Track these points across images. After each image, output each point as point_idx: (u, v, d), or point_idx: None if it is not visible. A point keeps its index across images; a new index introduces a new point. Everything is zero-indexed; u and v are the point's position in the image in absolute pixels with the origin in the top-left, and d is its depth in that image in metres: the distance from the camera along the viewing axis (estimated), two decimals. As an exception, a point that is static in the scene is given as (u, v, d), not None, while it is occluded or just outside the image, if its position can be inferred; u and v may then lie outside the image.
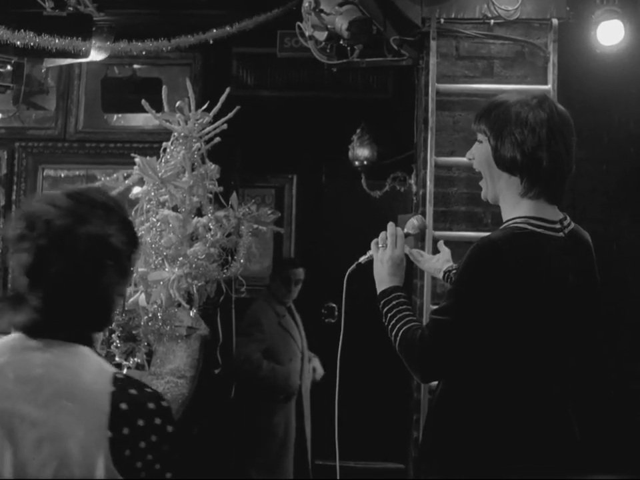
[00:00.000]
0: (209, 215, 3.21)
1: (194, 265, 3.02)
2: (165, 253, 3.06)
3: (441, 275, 2.43)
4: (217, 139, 3.36)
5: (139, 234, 3.13)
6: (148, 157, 3.18)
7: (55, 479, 1.24)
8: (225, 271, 3.17)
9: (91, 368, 1.34)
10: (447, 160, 2.83)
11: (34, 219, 1.33)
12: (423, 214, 2.79)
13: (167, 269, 2.97)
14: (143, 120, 4.45)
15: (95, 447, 1.26)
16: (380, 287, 1.91)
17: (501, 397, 1.76)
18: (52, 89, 4.39)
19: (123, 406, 1.28)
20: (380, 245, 1.95)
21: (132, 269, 1.59)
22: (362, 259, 2.03)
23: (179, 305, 3.06)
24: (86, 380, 1.31)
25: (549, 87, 2.80)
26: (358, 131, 3.92)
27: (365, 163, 3.89)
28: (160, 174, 3.16)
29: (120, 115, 4.61)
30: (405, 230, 2.04)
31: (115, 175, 3.73)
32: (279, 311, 4.24)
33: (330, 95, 4.22)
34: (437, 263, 2.43)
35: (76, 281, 1.34)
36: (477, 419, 1.78)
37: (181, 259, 3.02)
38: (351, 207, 5.19)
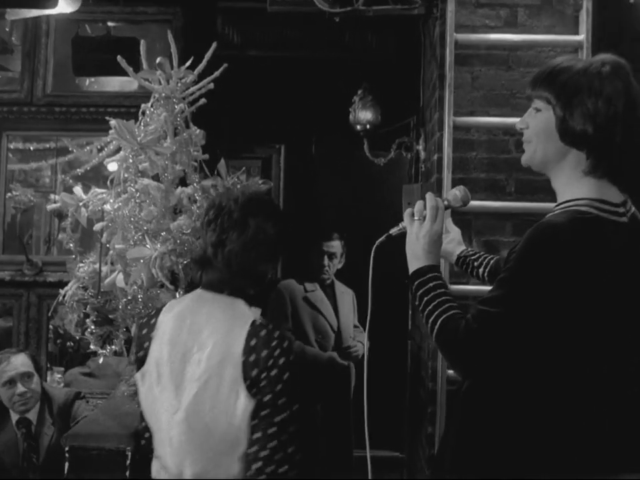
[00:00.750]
0: (195, 184, 2.88)
1: (178, 241, 2.69)
2: (145, 228, 2.74)
3: (454, 259, 2.19)
4: (203, 101, 3.03)
5: (115, 206, 2.81)
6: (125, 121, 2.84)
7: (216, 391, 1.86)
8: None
9: (239, 314, 1.94)
10: (466, 120, 2.53)
11: (220, 210, 1.98)
12: (439, 181, 2.50)
13: (147, 246, 2.65)
14: (118, 84, 4.09)
15: (235, 367, 1.85)
16: (413, 265, 1.73)
17: (557, 400, 1.56)
18: (17, 48, 4.02)
19: (252, 342, 1.85)
20: (416, 218, 1.77)
21: (280, 252, 2.10)
22: (393, 231, 1.86)
23: (162, 285, 2.74)
24: (234, 323, 1.91)
25: (581, 37, 2.51)
26: (360, 91, 3.59)
27: (368, 126, 3.56)
28: (139, 138, 2.81)
29: (93, 79, 4.24)
30: (446, 202, 1.83)
31: (88, 148, 3.37)
32: (307, 287, 3.88)
33: (325, 54, 3.87)
34: (448, 246, 2.22)
35: (243, 255, 1.95)
36: (526, 423, 1.58)
37: (163, 233, 2.70)
38: (345, 179, 4.88)
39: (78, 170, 3.14)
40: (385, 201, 4.87)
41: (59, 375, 4.60)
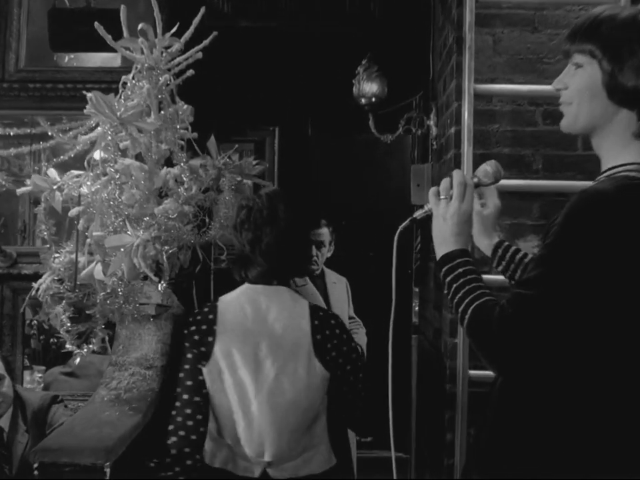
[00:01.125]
0: (182, 164, 2.59)
1: (163, 227, 2.42)
2: (126, 213, 2.46)
3: (489, 252, 1.90)
4: (190, 72, 2.76)
5: (93, 189, 2.52)
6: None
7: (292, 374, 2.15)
8: (202, 234, 2.57)
9: (294, 300, 2.26)
10: (487, 89, 2.26)
11: (250, 210, 2.32)
12: (457, 157, 2.23)
13: (128, 232, 2.36)
14: (100, 61, 3.81)
15: (307, 347, 2.15)
16: (441, 249, 1.57)
17: (614, 397, 1.39)
18: (-15, 21, 3.69)
19: (316, 322, 2.20)
20: (442, 197, 1.59)
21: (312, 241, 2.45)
22: (417, 214, 1.70)
23: (145, 277, 2.46)
24: (294, 308, 2.22)
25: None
26: (364, 61, 3.29)
27: (374, 100, 3.27)
28: (119, 113, 2.53)
29: (72, 56, 3.94)
30: (475, 179, 1.66)
31: (71, 133, 3.08)
32: (297, 282, 3.61)
33: (323, 26, 3.58)
34: (481, 226, 1.90)
35: (280, 246, 2.23)
36: (575, 423, 1.41)
37: (146, 219, 2.43)
38: (344, 163, 4.61)
39: (61, 157, 2.85)
40: (386, 185, 4.61)
41: (40, 375, 4.33)
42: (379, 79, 3.24)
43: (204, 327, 2.27)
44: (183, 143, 2.76)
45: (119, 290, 2.38)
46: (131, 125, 2.53)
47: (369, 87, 3.24)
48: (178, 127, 2.70)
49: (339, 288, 3.83)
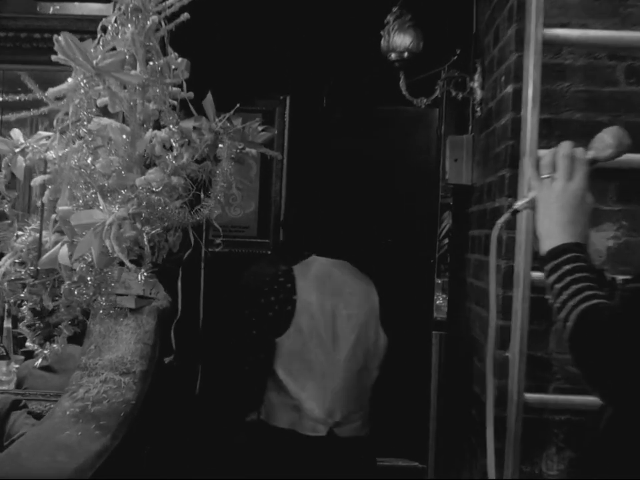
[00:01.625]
0: (171, 127, 2.14)
1: (144, 203, 1.96)
2: (100, 183, 2.01)
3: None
4: (185, 16, 2.30)
5: (61, 153, 2.07)
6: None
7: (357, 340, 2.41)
8: (194, 212, 2.12)
9: (360, 273, 2.52)
10: (555, 35, 1.76)
11: None
12: (515, 123, 1.76)
13: (101, 207, 1.91)
14: (87, 10, 3.34)
15: (376, 317, 2.44)
16: (545, 244, 1.20)
17: None
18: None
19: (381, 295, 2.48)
20: (544, 175, 1.24)
21: None
22: (518, 204, 1.33)
23: (122, 263, 2.02)
24: (362, 281, 2.50)
25: None
26: (395, 9, 2.81)
27: (406, 55, 2.78)
28: (95, 61, 2.08)
29: (58, 6, 3.48)
30: (591, 152, 1.28)
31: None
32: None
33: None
34: None
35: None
36: None
37: (125, 192, 1.96)
38: (364, 137, 4.13)
39: (23, 113, 2.40)
40: (409, 162, 4.14)
41: (17, 366, 3.91)
42: (412, 29, 2.75)
43: (281, 296, 2.40)
44: (175, 103, 2.31)
45: (89, 278, 1.93)
46: (110, 77, 2.08)
47: (400, 40, 2.75)
48: (168, 81, 2.25)
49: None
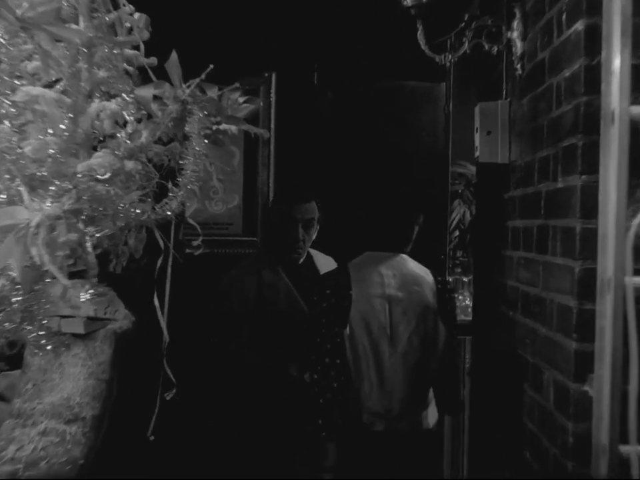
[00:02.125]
0: (125, 95, 1.65)
1: (88, 196, 1.47)
2: (30, 172, 1.53)
3: None
4: (142, -43, 1.83)
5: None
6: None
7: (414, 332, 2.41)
8: (158, 207, 1.63)
9: (417, 267, 2.50)
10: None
11: None
12: (592, 72, 1.27)
13: (26, 203, 1.42)
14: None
15: (433, 310, 2.41)
16: None
17: None
18: None
19: (439, 286, 2.47)
20: None
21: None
22: None
23: (74, 274, 1.54)
24: (419, 274, 2.46)
25: None
26: (409, -59, 2.31)
27: (425, -1, 2.27)
28: (19, 11, 1.61)
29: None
30: None
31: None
32: (265, 277, 2.72)
33: None
34: None
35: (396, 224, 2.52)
36: None
37: (58, 183, 1.47)
38: (359, 118, 3.65)
39: None
40: (412, 145, 3.66)
41: (-31, 390, 3.42)
42: (432, -36, 2.25)
43: (342, 292, 2.41)
44: (131, 69, 1.82)
45: (12, 300, 1.44)
46: (41, 31, 1.60)
47: (418, -21, 2.25)
48: (121, 39, 1.76)
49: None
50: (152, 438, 1.99)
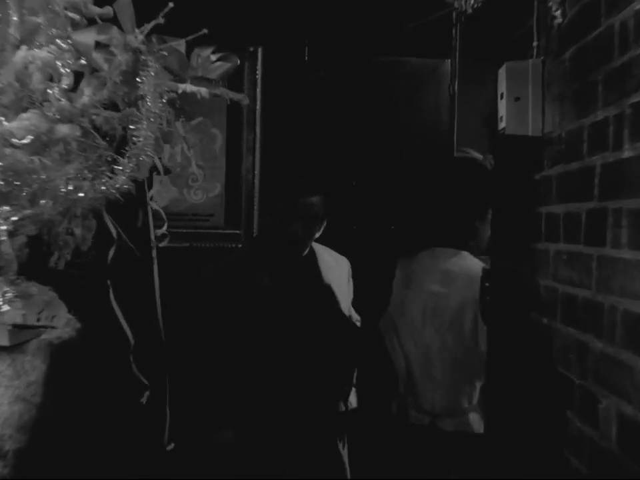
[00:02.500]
0: (60, 42, 1.30)
1: (11, 178, 1.12)
2: None
3: None
4: None
5: None
6: None
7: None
8: (98, 184, 1.28)
9: (470, 263, 2.44)
10: None
11: None
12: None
13: None
14: None
15: (474, 308, 2.35)
16: None
17: None
18: None
19: (486, 284, 2.35)
20: None
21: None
22: None
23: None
24: (468, 270, 2.41)
25: None
26: None
27: None
28: None
29: None
30: None
31: None
32: (257, 277, 2.37)
33: None
34: None
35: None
36: None
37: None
38: (356, 99, 3.32)
39: None
40: (414, 127, 3.31)
41: None
42: None
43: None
44: (77, 18, 1.47)
45: None
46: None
47: None
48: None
49: (337, 272, 2.53)
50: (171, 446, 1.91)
